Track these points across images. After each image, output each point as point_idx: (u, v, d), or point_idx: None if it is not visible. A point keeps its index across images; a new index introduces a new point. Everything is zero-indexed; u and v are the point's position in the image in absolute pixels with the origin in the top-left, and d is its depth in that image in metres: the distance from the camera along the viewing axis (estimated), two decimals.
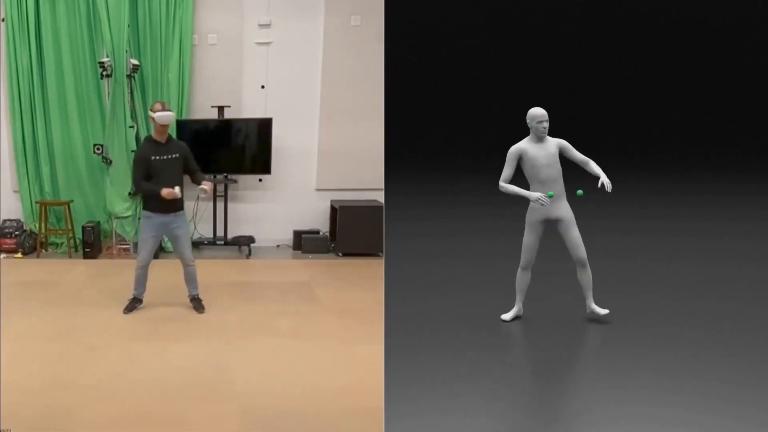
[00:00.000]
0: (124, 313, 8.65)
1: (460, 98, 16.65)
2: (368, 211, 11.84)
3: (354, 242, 11.89)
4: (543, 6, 17.01)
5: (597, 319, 7.65)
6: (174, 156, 8.47)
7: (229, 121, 11.96)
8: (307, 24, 12.33)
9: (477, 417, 5.78)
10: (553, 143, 7.37)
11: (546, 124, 7.30)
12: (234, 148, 11.96)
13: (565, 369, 6.61)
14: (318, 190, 12.67)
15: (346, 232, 11.88)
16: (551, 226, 7.50)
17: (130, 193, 11.80)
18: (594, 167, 7.44)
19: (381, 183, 12.40)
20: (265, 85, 12.43)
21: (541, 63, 16.93)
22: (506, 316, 7.65)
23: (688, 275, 8.93)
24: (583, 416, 5.79)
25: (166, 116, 8.34)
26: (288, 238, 12.64)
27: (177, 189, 8.34)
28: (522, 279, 7.61)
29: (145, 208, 8.62)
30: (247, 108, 12.36)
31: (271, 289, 9.94)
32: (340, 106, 12.43)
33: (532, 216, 7.41)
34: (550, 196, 7.28)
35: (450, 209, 11.85)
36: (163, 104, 8.44)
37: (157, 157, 8.39)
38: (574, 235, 7.41)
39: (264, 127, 11.94)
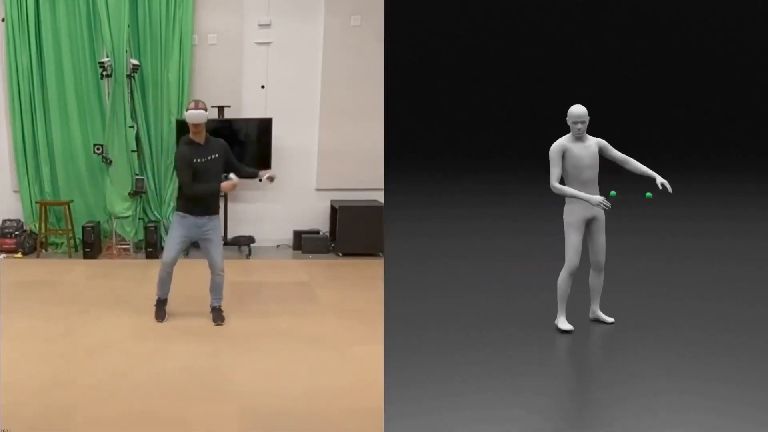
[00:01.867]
0: (157, 321, 8.33)
1: (460, 98, 16.65)
2: (368, 211, 11.84)
3: (354, 242, 11.89)
4: (543, 6, 17.01)
5: (597, 319, 7.64)
6: (214, 156, 8.11)
7: (229, 121, 11.96)
8: (307, 24, 12.33)
9: (477, 417, 5.78)
10: (594, 142, 7.19)
11: (581, 126, 7.08)
12: (234, 148, 11.95)
13: (567, 368, 6.61)
14: (318, 190, 12.67)
15: (346, 232, 11.88)
16: (589, 225, 7.35)
17: (130, 193, 11.80)
18: (638, 166, 7.26)
19: (381, 183, 12.40)
20: (265, 85, 12.43)
21: (541, 63, 16.93)
22: (568, 326, 7.35)
23: (688, 275, 8.94)
24: (584, 415, 5.79)
25: (195, 115, 7.91)
26: (288, 238, 12.64)
27: (233, 175, 8.04)
28: (568, 285, 7.30)
29: (179, 209, 8.19)
30: (247, 108, 12.36)
31: (271, 289, 9.94)
32: (340, 106, 12.43)
33: (572, 216, 7.19)
34: (613, 196, 7.16)
35: (450, 209, 11.85)
36: (197, 102, 8.00)
37: (199, 160, 8.01)
38: (602, 238, 7.32)
39: (264, 127, 11.94)
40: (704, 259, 9.48)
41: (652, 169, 14.23)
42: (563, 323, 7.39)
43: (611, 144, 15.69)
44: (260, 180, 8.43)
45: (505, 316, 7.75)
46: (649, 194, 7.06)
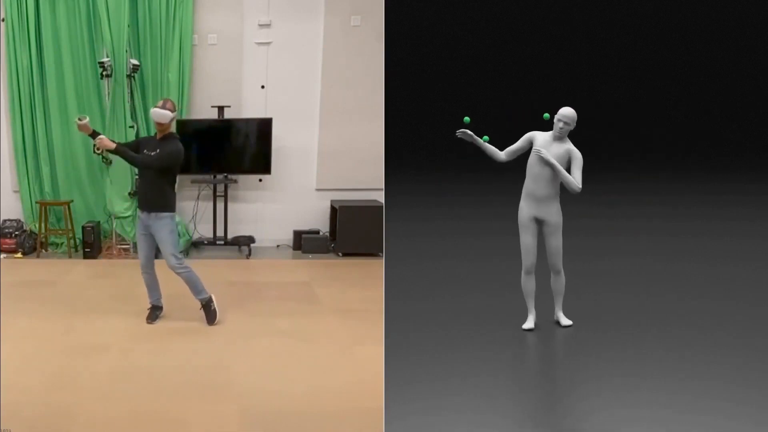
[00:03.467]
0: (148, 322, 8.28)
1: (460, 98, 16.65)
2: (368, 211, 11.84)
3: (354, 242, 11.89)
4: (543, 6, 17.01)
5: (597, 319, 7.64)
6: (156, 153, 7.99)
7: (229, 121, 11.96)
8: (307, 24, 12.33)
9: (477, 417, 5.78)
10: (565, 148, 7.17)
11: (562, 125, 7.10)
12: (234, 148, 11.95)
13: (565, 369, 6.61)
14: (318, 190, 12.67)
15: (346, 232, 11.88)
16: (540, 226, 7.35)
17: (130, 193, 11.80)
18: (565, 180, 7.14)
19: (381, 183, 12.40)
20: (265, 85, 12.43)
21: (541, 63, 16.93)
22: (528, 325, 7.43)
23: (688, 275, 8.93)
24: (584, 415, 5.79)
25: (155, 113, 7.95)
26: (288, 238, 12.64)
27: (103, 137, 7.85)
28: (528, 284, 7.39)
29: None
30: (247, 108, 12.36)
31: (271, 289, 9.94)
32: (340, 106, 12.42)
33: (521, 214, 7.26)
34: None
35: (450, 209, 11.85)
36: (165, 101, 8.06)
37: (145, 151, 8.01)
38: (554, 243, 7.28)
39: (264, 127, 11.94)
40: (704, 259, 9.48)
41: (653, 171, 14.23)
42: (527, 323, 7.45)
43: (611, 144, 15.68)
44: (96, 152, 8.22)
45: (504, 316, 7.75)
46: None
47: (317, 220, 12.68)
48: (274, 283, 10.21)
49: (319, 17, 12.32)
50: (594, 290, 8.45)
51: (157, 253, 8.36)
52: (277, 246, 12.65)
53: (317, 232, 12.45)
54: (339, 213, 11.89)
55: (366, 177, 12.53)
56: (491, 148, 7.30)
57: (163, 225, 8.07)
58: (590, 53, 16.94)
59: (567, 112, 7.15)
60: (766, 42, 16.82)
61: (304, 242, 12.18)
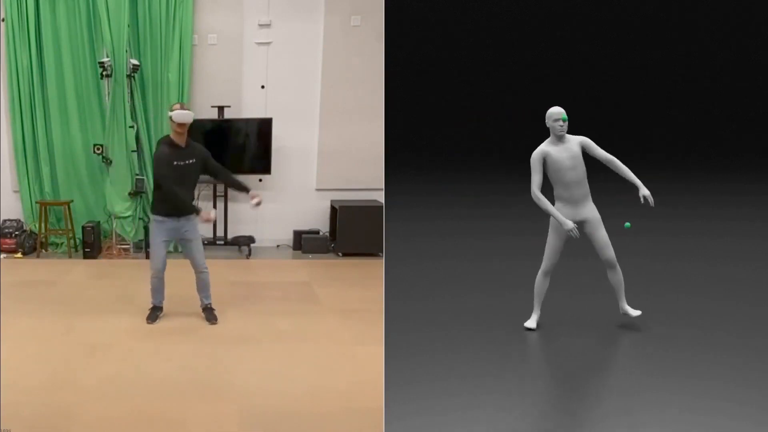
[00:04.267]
0: (148, 323, 8.30)
1: (460, 98, 16.65)
2: (368, 211, 11.84)
3: (354, 242, 11.89)
4: (543, 6, 17.01)
5: (597, 319, 7.64)
6: (192, 161, 8.06)
7: (229, 121, 11.96)
8: (307, 24, 12.33)
9: (477, 417, 5.78)
10: (575, 142, 7.12)
11: (563, 123, 7.05)
12: (234, 148, 11.95)
13: (564, 369, 6.61)
14: (318, 190, 12.67)
15: (346, 232, 11.88)
16: (581, 229, 7.36)
17: (130, 193, 11.80)
18: (622, 169, 7.16)
19: (381, 183, 12.40)
20: (265, 85, 12.43)
21: (541, 63, 16.93)
22: (530, 324, 7.42)
23: (688, 275, 8.94)
24: (587, 413, 5.79)
25: (183, 114, 7.87)
26: (288, 238, 12.64)
27: (213, 213, 8.02)
28: (542, 284, 7.35)
29: (154, 211, 8.15)
30: (247, 108, 12.36)
31: (271, 289, 9.94)
32: (340, 106, 12.43)
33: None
34: (627, 228, 7.08)
35: (450, 209, 11.85)
36: (182, 104, 8.03)
37: (178, 162, 7.96)
38: (601, 235, 7.22)
39: (264, 127, 11.94)
40: (704, 259, 9.48)
41: (653, 170, 14.23)
42: (529, 321, 7.43)
43: (611, 144, 15.68)
44: (255, 204, 8.32)
45: (504, 316, 7.75)
46: (628, 224, 7.06)
47: (317, 220, 12.69)
48: (274, 283, 10.21)
49: (319, 17, 12.32)
50: (594, 290, 8.45)
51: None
52: (277, 246, 12.65)
53: (317, 232, 12.45)
54: (339, 213, 11.90)
55: (366, 177, 12.53)
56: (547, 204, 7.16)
57: (195, 226, 8.23)
58: (590, 53, 16.94)
59: (556, 110, 7.08)
60: (766, 42, 16.82)
61: (304, 242, 12.18)
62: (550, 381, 6.37)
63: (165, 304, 8.59)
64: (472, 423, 5.68)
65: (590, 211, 7.24)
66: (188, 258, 8.33)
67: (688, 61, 16.88)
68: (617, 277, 7.37)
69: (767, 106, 16.45)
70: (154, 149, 11.96)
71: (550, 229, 7.25)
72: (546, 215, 11.36)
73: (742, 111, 16.41)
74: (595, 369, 6.60)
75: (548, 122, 7.11)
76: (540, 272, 7.36)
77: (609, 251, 7.27)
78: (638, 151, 15.42)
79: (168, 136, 8.10)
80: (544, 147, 7.11)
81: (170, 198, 7.96)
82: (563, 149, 7.10)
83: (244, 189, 8.37)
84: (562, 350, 6.98)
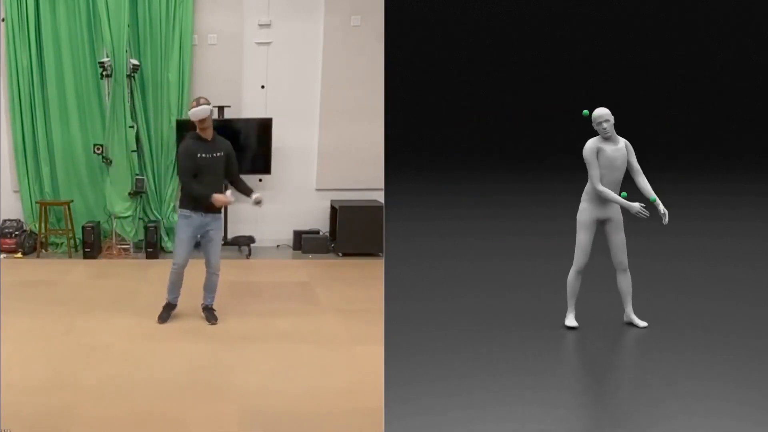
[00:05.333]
0: (159, 322, 8.26)
1: (460, 98, 16.65)
2: (368, 211, 11.84)
3: (354, 242, 11.90)
4: (543, 6, 17.01)
5: (597, 320, 7.64)
6: (219, 155, 8.04)
7: (229, 121, 11.96)
8: (307, 24, 12.33)
9: (477, 416, 5.78)
10: (623, 144, 7.20)
11: (606, 125, 7.08)
12: (234, 148, 11.93)
13: (564, 368, 6.61)
14: (318, 190, 12.67)
15: (346, 232, 11.88)
16: (601, 227, 7.40)
17: (130, 193, 11.80)
18: (644, 184, 7.22)
19: (381, 183, 12.40)
20: (265, 85, 12.43)
21: (541, 63, 16.93)
22: (570, 323, 7.40)
23: (688, 275, 8.94)
24: (584, 415, 5.79)
25: (198, 111, 7.81)
26: (288, 238, 12.64)
27: (229, 193, 7.95)
28: (576, 283, 7.35)
29: (183, 206, 8.09)
30: (247, 108, 12.36)
31: (271, 289, 9.94)
32: (340, 106, 12.43)
33: (584, 215, 7.22)
34: (653, 201, 7.13)
35: (450, 209, 11.85)
36: (198, 99, 7.91)
37: (203, 155, 7.93)
38: (620, 237, 7.26)
39: (264, 127, 11.94)
40: (704, 259, 9.48)
41: (653, 171, 14.23)
42: (569, 320, 7.43)
43: None
44: (256, 202, 8.30)
45: (504, 316, 7.75)
46: (653, 197, 7.08)
47: (317, 220, 12.69)
48: (274, 283, 10.21)
49: (319, 17, 12.32)
50: (594, 290, 8.45)
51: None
52: (277, 246, 12.66)
53: (317, 232, 12.45)
54: (339, 213, 11.90)
55: (366, 177, 12.53)
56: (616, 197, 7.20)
57: (220, 225, 8.22)
58: (590, 53, 16.94)
59: (602, 111, 7.12)
60: (766, 42, 16.82)
61: (304, 242, 12.18)
62: (550, 380, 6.37)
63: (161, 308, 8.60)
64: (472, 423, 5.68)
65: (615, 212, 7.29)
66: (205, 257, 8.25)
67: (688, 61, 16.88)
68: (626, 282, 7.38)
69: (767, 106, 16.44)
70: (154, 149, 12.01)
71: (578, 228, 7.26)
72: (554, 215, 11.37)
73: (742, 111, 16.41)
74: (595, 369, 6.60)
75: (594, 124, 7.17)
76: (572, 271, 7.34)
77: (623, 255, 7.31)
78: (638, 151, 15.43)
79: (194, 131, 8.07)
80: (597, 143, 7.14)
81: (194, 195, 7.94)
82: (615, 149, 7.16)
83: (248, 192, 8.35)
84: (562, 350, 6.98)
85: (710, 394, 6.12)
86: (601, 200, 7.20)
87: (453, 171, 14.33)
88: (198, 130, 7.99)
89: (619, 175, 7.19)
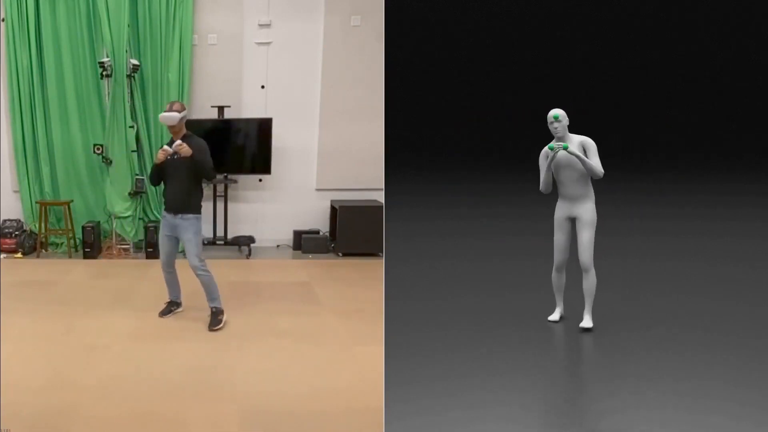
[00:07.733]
0: (159, 316, 8.45)
1: (460, 98, 16.65)
2: (368, 211, 11.84)
3: (354, 242, 11.90)
4: (543, 6, 17.01)
5: (597, 320, 7.64)
6: (177, 156, 8.10)
7: (229, 121, 11.96)
8: (307, 24, 12.33)
9: (477, 416, 5.79)
10: (576, 142, 7.27)
11: (556, 125, 7.21)
12: (234, 148, 11.96)
13: (563, 369, 6.61)
14: (318, 190, 12.68)
15: (346, 232, 11.88)
16: (573, 223, 7.48)
17: (130, 193, 11.80)
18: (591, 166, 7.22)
19: (381, 183, 12.40)
20: (265, 85, 12.43)
21: (541, 63, 16.93)
22: (553, 317, 7.62)
23: (688, 275, 8.93)
24: (582, 414, 5.79)
25: (165, 117, 8.02)
26: (288, 238, 12.65)
27: (165, 147, 8.06)
28: (557, 280, 7.57)
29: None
30: (247, 108, 12.37)
31: (271, 289, 9.94)
32: (340, 106, 12.43)
33: (557, 214, 7.42)
34: (565, 148, 7.20)
35: (450, 209, 11.85)
36: (171, 104, 8.08)
37: (170, 157, 8.09)
38: (585, 237, 7.31)
39: (264, 127, 11.94)
40: (704, 259, 9.48)
41: (653, 171, 14.24)
42: (553, 315, 7.65)
43: (611, 144, 15.68)
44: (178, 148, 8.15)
45: (504, 316, 7.75)
46: (565, 145, 7.13)
47: (317, 220, 12.69)
48: (274, 283, 10.21)
49: (319, 17, 12.32)
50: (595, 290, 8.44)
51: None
52: (277, 246, 12.66)
53: (317, 232, 12.45)
54: (339, 213, 11.90)
55: (366, 177, 12.53)
56: (550, 181, 7.39)
57: (189, 226, 8.19)
58: (590, 53, 16.94)
59: (552, 112, 7.31)
60: (766, 42, 16.82)
61: (304, 242, 12.18)
62: (550, 380, 6.37)
63: (164, 306, 8.62)
64: (472, 423, 5.68)
65: (585, 212, 7.35)
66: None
67: (688, 61, 16.88)
68: (589, 282, 7.41)
69: (767, 106, 16.44)
70: (154, 149, 12.01)
71: (554, 228, 7.44)
72: (553, 215, 11.36)
73: (742, 111, 16.41)
74: (594, 369, 6.60)
75: (548, 123, 7.40)
76: (553, 270, 7.56)
77: (586, 255, 7.34)
78: (638, 151, 15.42)
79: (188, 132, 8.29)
80: (545, 149, 7.38)
81: (151, 179, 8.33)
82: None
83: (210, 176, 8.28)
84: (561, 351, 6.98)
85: (710, 394, 6.12)
86: (569, 199, 7.35)
87: (453, 171, 14.33)
88: (172, 134, 8.23)
89: (571, 173, 7.27)
